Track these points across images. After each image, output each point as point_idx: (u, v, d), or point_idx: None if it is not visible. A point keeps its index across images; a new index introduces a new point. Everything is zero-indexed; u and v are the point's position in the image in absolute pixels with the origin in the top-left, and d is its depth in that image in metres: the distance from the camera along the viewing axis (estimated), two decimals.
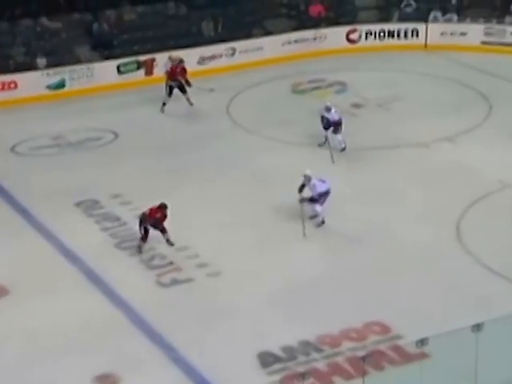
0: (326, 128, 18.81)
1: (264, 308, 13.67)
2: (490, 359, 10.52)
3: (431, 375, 10.49)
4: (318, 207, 15.88)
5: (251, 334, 13.03)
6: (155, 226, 15.20)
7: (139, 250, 15.29)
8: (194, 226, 16.01)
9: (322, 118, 18.92)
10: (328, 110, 18.75)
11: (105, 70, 22.74)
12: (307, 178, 15.83)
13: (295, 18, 26.09)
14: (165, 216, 15.19)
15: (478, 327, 10.29)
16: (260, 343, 12.79)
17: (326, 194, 15.83)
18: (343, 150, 18.88)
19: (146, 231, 15.25)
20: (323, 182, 15.90)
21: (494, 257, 14.73)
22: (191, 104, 21.35)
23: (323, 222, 15.90)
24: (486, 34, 25.34)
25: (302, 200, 15.81)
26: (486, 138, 19.35)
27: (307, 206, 15.84)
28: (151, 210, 15.14)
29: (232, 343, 12.82)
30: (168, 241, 15.34)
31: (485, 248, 15.05)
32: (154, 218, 15.11)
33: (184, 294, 14.18)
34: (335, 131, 18.81)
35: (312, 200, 15.87)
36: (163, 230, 15.27)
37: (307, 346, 12.80)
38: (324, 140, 18.94)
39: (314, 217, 16.01)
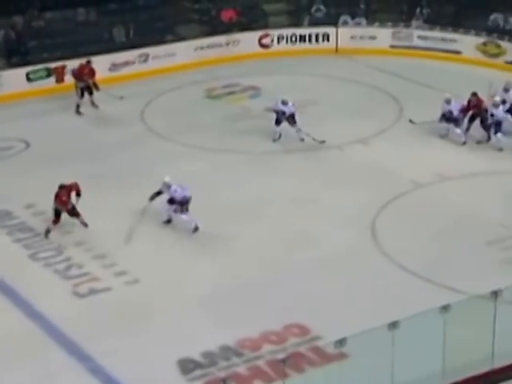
0: (279, 123, 19.17)
1: (183, 315, 13.59)
2: (406, 356, 10.70)
3: (350, 375, 10.60)
4: (184, 216, 15.72)
5: (170, 341, 12.94)
6: (68, 211, 15.46)
7: (47, 233, 15.42)
8: (110, 234, 15.83)
9: (278, 112, 19.09)
10: (285, 103, 19.13)
11: (14, 78, 22.27)
12: (165, 185, 15.71)
13: (207, 24, 26.11)
14: (69, 196, 15.48)
15: (393, 325, 10.45)
16: (179, 350, 12.71)
17: (186, 201, 15.63)
18: (302, 140, 19.29)
19: (58, 215, 15.32)
20: (183, 188, 15.73)
21: (408, 256, 15.00)
22: (96, 107, 21.13)
23: (197, 229, 15.71)
24: (394, 37, 25.88)
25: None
26: (398, 139, 19.72)
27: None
28: (59, 194, 15.43)
29: (151, 351, 12.70)
30: (83, 223, 15.59)
31: (399, 248, 15.31)
32: (62, 201, 15.34)
33: (102, 304, 13.98)
34: (293, 123, 19.18)
35: (171, 201, 15.71)
36: (72, 213, 15.38)
37: (227, 351, 12.77)
38: (278, 136, 19.38)
39: (168, 222, 15.94)
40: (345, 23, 26.53)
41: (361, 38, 26.03)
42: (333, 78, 23.89)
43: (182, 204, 15.70)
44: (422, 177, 17.84)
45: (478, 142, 19.35)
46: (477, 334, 11.18)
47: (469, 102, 19.61)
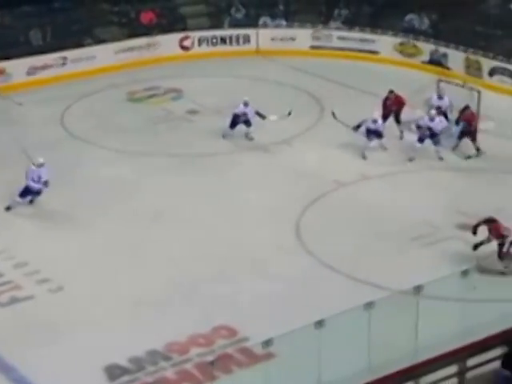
0: (234, 125, 19.38)
1: (109, 321, 13.42)
2: (333, 354, 10.80)
3: (277, 374, 10.64)
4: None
5: (97, 347, 12.76)
6: None
7: None
8: (33, 241, 15.54)
9: (236, 115, 19.34)
10: (246, 104, 19.35)
11: None
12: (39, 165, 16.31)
13: (127, 26, 25.88)
14: None
15: (319, 324, 10.54)
16: (106, 356, 12.54)
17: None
18: (252, 139, 19.55)
19: None
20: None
21: (333, 254, 15.13)
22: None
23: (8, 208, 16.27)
24: (314, 38, 26.13)
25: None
26: (321, 139, 19.88)
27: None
28: None
29: (77, 359, 12.50)
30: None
31: (324, 246, 15.44)
32: None
33: (24, 312, 13.70)
34: (249, 125, 19.45)
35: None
36: None
37: (155, 355, 12.68)
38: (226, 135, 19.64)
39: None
40: (265, 25, 26.66)
41: (281, 39, 26.20)
42: (254, 79, 23.96)
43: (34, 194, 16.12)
44: (345, 176, 18.05)
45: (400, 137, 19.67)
46: (400, 330, 11.36)
47: (386, 99, 19.92)
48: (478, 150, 18.85)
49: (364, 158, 18.71)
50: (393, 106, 19.82)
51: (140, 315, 13.53)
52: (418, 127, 18.78)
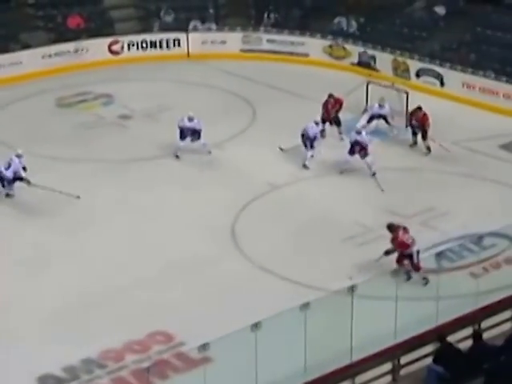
0: (184, 137, 18.90)
1: (41, 330, 13.20)
2: (270, 356, 10.83)
3: (214, 378, 10.62)
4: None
5: (29, 358, 12.53)
6: None
7: None
8: None
9: (183, 128, 18.90)
10: (191, 119, 18.86)
11: None
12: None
13: (53, 31, 25.52)
14: None
15: (256, 326, 10.56)
16: (39, 367, 12.33)
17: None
18: (210, 152, 19.08)
19: None
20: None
21: (268, 257, 15.19)
22: None
23: None
24: (244, 41, 26.20)
25: None
26: (253, 142, 19.92)
27: None
28: None
29: (8, 370, 12.25)
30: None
31: (259, 249, 15.48)
32: None
33: None
34: (197, 138, 18.98)
35: None
36: None
37: (90, 364, 12.52)
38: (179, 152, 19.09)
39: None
40: (195, 28, 26.61)
41: (212, 42, 26.19)
42: (186, 83, 23.90)
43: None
44: (278, 178, 18.13)
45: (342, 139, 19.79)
46: (336, 330, 11.46)
47: (326, 102, 20.04)
48: (428, 148, 19.15)
49: (306, 167, 18.54)
50: (333, 109, 19.92)
51: (74, 323, 13.33)
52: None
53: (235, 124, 20.93)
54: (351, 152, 18.21)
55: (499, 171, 18.36)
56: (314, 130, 18.62)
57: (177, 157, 19.07)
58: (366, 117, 20.11)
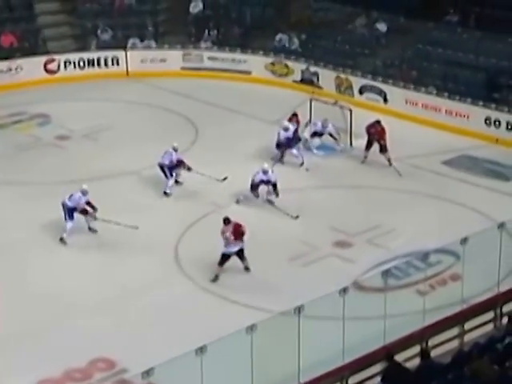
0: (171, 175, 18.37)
1: None
2: (216, 380, 10.78)
3: None
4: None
5: None
6: None
7: None
8: None
9: (162, 166, 18.38)
10: (175, 150, 18.48)
11: None
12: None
13: None
14: None
15: (201, 350, 10.50)
16: None
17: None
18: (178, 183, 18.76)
19: None
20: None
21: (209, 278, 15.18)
22: None
23: None
24: (185, 59, 26.23)
25: None
26: (196, 161, 19.78)
27: None
28: None
29: None
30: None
31: (203, 270, 15.42)
32: None
33: None
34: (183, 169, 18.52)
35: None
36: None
37: None
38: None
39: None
40: (134, 46, 26.55)
41: (151, 60, 26.16)
42: (125, 102, 23.82)
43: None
44: (223, 198, 18.11)
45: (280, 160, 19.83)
46: (283, 351, 11.46)
47: (290, 119, 20.12)
48: (389, 160, 19.41)
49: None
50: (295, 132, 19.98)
51: (11, 350, 13.09)
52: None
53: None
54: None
55: (443, 187, 18.65)
56: (272, 175, 17.85)
57: (166, 194, 18.42)
58: (308, 131, 20.29)
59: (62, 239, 16.25)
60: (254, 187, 17.69)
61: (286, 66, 25.37)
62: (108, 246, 16.27)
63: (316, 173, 19.51)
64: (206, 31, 26.79)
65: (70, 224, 16.29)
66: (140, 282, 15.05)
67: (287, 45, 26.00)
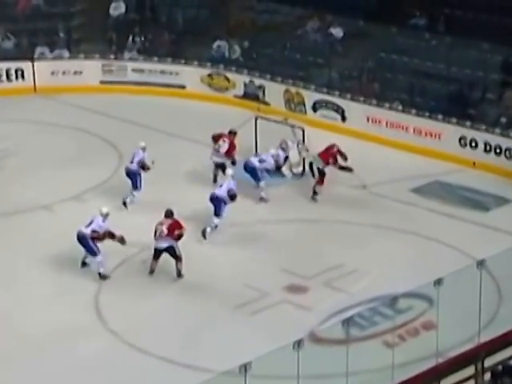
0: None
1: None
2: None
3: None
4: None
5: None
6: None
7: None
8: None
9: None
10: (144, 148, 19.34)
11: None
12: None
13: None
14: None
15: None
16: None
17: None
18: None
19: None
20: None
21: (140, 333, 15.13)
22: None
23: None
24: (105, 71, 26.27)
25: None
26: (119, 194, 19.79)
27: None
28: None
29: None
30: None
31: (129, 323, 15.37)
32: None
33: None
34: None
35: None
36: None
37: None
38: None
39: None
40: (42, 56, 26.48)
41: (64, 73, 26.15)
42: (33, 122, 23.74)
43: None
44: (150, 237, 18.04)
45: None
46: None
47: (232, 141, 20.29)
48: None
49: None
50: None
51: None
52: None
53: (96, 172, 20.86)
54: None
55: (412, 219, 18.88)
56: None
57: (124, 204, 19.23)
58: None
59: (103, 276, 16.74)
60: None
61: (226, 78, 25.56)
62: (19, 290, 16.18)
63: (264, 203, 19.67)
64: (130, 38, 26.88)
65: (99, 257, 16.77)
66: (55, 334, 15.00)
67: (227, 53, 26.22)
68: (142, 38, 26.88)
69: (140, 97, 25.49)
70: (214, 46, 26.29)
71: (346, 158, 19.89)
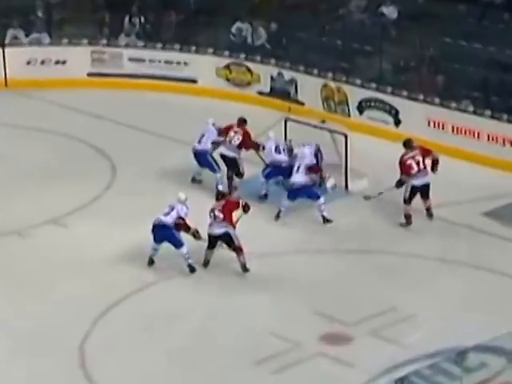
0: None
1: None
2: None
3: None
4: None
5: None
6: None
7: None
8: None
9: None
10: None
11: None
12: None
13: None
14: None
15: None
16: None
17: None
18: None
19: None
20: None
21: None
22: None
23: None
24: (95, 61, 26.35)
25: None
26: (113, 215, 19.82)
27: None
28: None
29: None
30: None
31: (119, 381, 15.36)
32: None
33: None
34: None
35: None
36: None
37: None
38: None
39: None
40: (16, 41, 26.58)
41: (43, 63, 26.33)
42: (2, 125, 23.85)
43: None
44: (151, 270, 18.08)
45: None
46: None
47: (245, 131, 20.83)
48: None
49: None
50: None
51: None
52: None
53: (84, 188, 20.97)
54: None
55: (484, 251, 18.80)
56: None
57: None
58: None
59: (192, 268, 18.09)
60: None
61: (248, 70, 25.63)
62: None
63: (294, 229, 19.61)
64: (127, 18, 27.02)
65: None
66: None
67: (249, 39, 26.25)
68: (142, 19, 27.00)
69: (139, 93, 25.66)
70: (233, 29, 26.39)
71: None
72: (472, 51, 23.49)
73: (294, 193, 19.67)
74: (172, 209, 17.99)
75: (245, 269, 17.90)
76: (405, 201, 19.54)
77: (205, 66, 26.01)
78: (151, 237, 18.00)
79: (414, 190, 19.50)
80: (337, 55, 25.02)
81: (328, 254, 18.89)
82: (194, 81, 26.08)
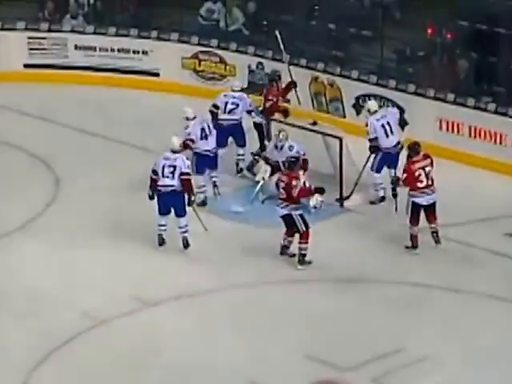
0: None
1: None
2: None
3: None
4: None
5: None
6: None
7: None
8: None
9: None
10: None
11: None
12: None
13: None
14: None
15: None
16: None
17: None
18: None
19: None
20: None
21: None
22: None
23: None
24: (33, 50, 26.60)
25: None
26: (58, 235, 19.93)
27: None
28: None
29: None
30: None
31: None
32: None
33: None
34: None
35: None
36: None
37: None
38: None
39: None
40: None
41: None
42: None
43: None
44: (107, 303, 18.27)
45: None
46: None
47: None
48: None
49: None
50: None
51: None
52: None
53: (22, 203, 21.20)
54: None
55: (508, 280, 18.99)
56: None
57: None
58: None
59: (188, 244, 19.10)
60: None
61: (221, 60, 25.77)
62: None
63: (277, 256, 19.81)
64: None
65: None
66: None
67: (222, 22, 26.40)
68: None
69: (87, 89, 25.86)
70: (203, 10, 26.59)
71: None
72: (493, 37, 23.42)
73: None
74: (174, 168, 18.69)
75: (302, 261, 19.02)
76: (410, 221, 19.69)
77: (168, 55, 26.18)
78: (155, 211, 18.73)
79: (417, 209, 19.57)
80: (329, 42, 25.11)
81: (318, 285, 19.11)
82: (155, 74, 26.23)
